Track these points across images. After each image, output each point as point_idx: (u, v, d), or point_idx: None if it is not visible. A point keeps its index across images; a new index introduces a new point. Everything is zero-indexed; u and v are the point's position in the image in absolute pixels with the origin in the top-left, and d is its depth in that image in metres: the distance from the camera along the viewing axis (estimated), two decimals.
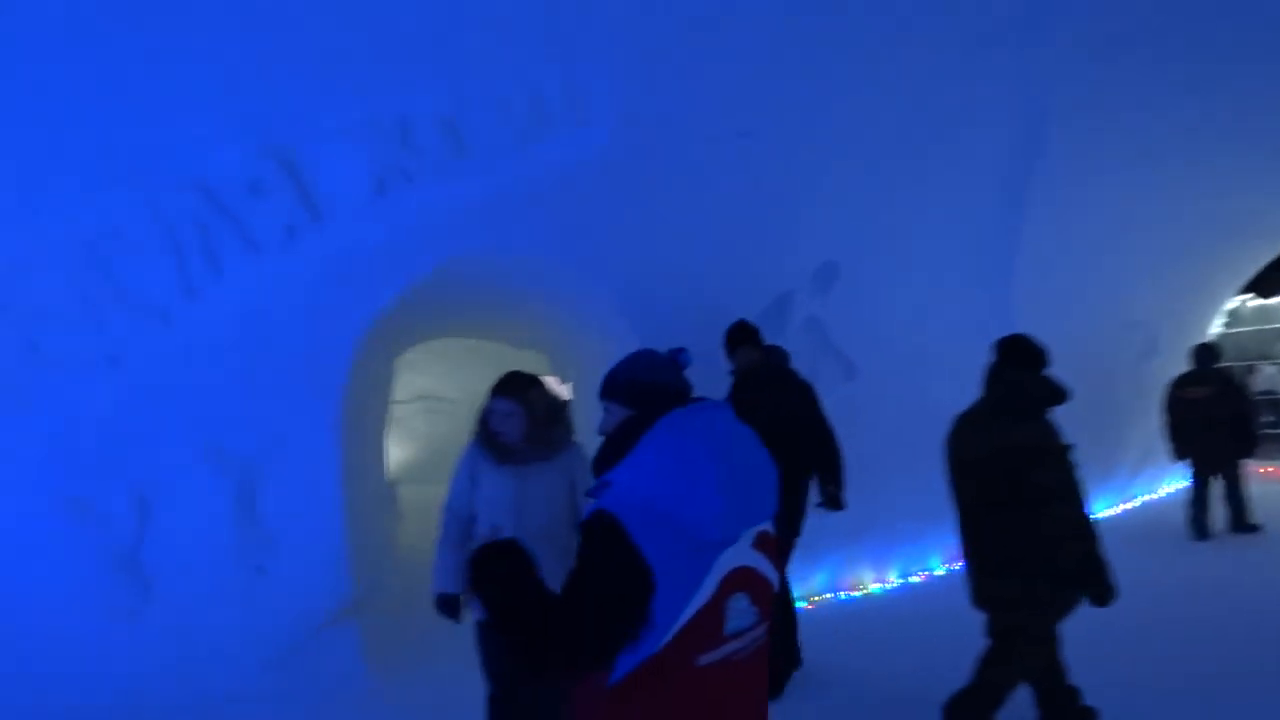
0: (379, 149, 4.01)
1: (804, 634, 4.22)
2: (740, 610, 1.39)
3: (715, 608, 1.34)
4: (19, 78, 3.39)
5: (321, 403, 4.22)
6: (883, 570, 6.03)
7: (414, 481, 9.28)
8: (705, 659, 1.35)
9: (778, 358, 4.53)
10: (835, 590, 5.74)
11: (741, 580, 1.39)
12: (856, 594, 5.77)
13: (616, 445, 1.54)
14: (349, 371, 4.28)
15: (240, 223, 3.92)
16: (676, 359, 1.69)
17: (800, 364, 5.58)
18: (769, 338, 5.60)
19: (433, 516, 7.66)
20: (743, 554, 1.40)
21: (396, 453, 9.71)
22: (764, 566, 1.46)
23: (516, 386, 2.81)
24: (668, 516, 1.33)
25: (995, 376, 3.10)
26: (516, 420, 2.77)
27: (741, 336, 4.28)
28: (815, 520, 5.51)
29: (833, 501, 4.37)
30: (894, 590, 5.88)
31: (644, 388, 1.62)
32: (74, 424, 3.85)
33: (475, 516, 2.88)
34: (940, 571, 6.16)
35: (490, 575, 1.43)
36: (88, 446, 3.87)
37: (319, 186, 4.00)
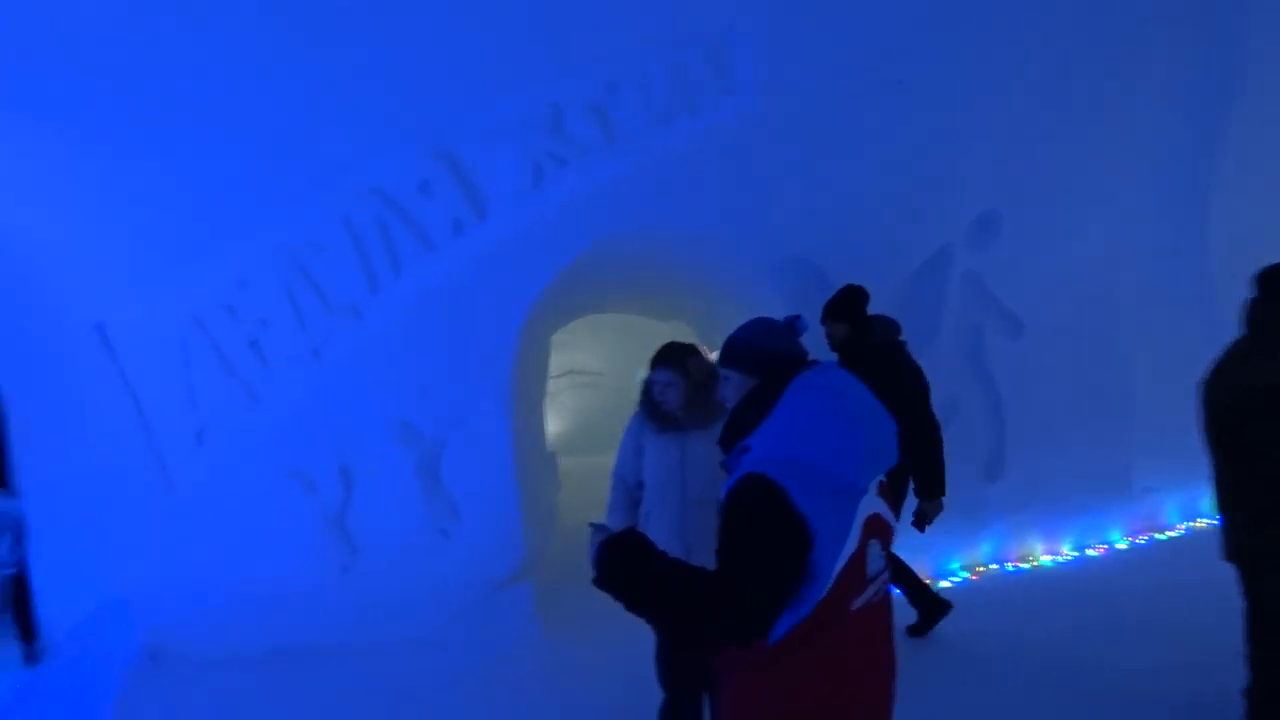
0: (532, 141, 4.28)
1: (967, 605, 4.13)
2: (875, 555, 1.47)
3: (860, 554, 1.41)
4: (229, 109, 3.90)
5: (493, 381, 4.58)
6: (1054, 541, 5.65)
7: (566, 453, 9.80)
8: (856, 603, 1.43)
9: (882, 332, 3.97)
10: (1001, 561, 5.48)
11: (875, 526, 1.46)
12: (1025, 566, 5.47)
13: (747, 413, 1.59)
14: (515, 351, 4.61)
15: (414, 222, 4.33)
16: (793, 325, 1.73)
17: (960, 322, 5.30)
18: (923, 297, 5.30)
19: (585, 485, 8.16)
20: (873, 502, 1.47)
21: (551, 426, 10.26)
22: (887, 512, 1.54)
23: (675, 357, 2.89)
24: (819, 471, 1.38)
25: (1259, 310, 2.79)
26: (676, 389, 2.86)
27: (832, 308, 3.99)
28: (979, 488, 5.30)
29: (922, 520, 3.88)
30: (1068, 564, 5.50)
31: (765, 355, 1.66)
32: (289, 409, 4.47)
33: (642, 482, 3.03)
34: (1123, 545, 5.69)
35: (620, 576, 1.45)
36: (301, 427, 4.47)
37: (480, 182, 4.33)
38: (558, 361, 10.70)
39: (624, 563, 1.46)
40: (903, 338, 4.05)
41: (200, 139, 3.96)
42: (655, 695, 3.12)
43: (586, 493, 7.79)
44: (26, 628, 4.73)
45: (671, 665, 3.00)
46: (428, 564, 4.55)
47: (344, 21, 3.73)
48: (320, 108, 3.97)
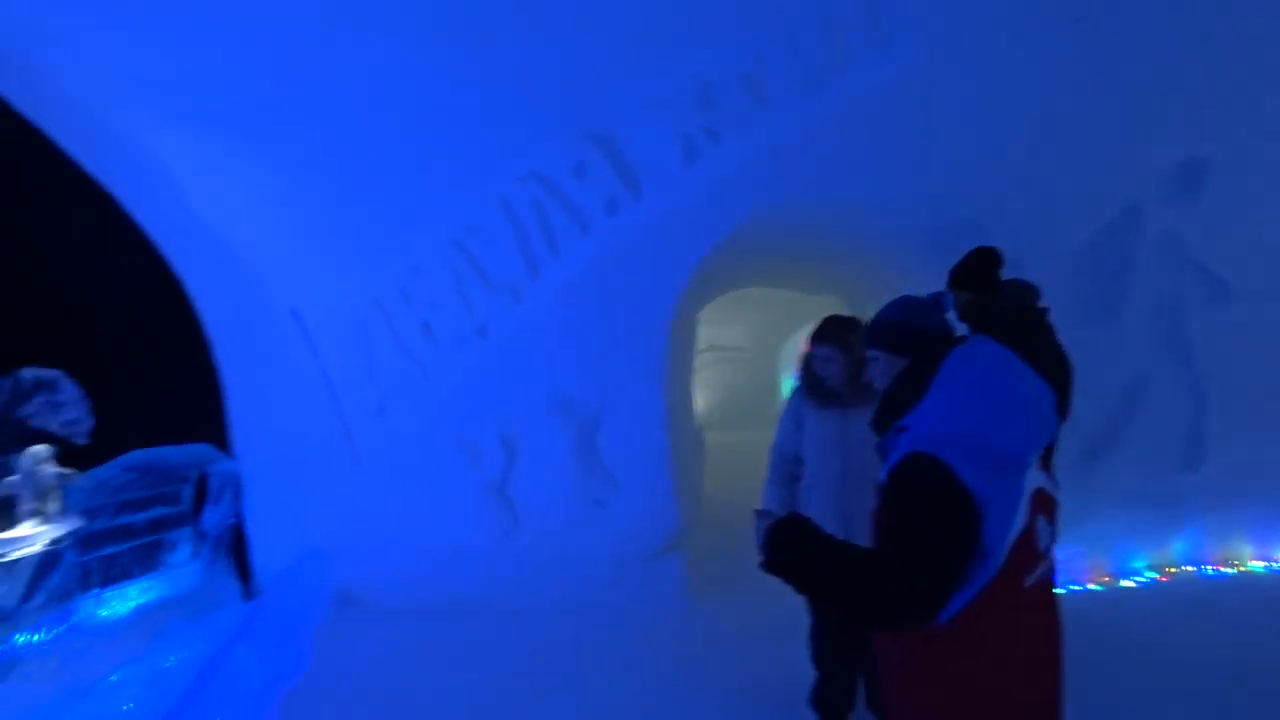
0: (683, 116, 4.27)
1: (1152, 609, 3.82)
2: (1044, 530, 1.44)
3: (1030, 528, 1.40)
4: (396, 116, 4.20)
5: (647, 357, 4.69)
6: (1267, 545, 4.93)
7: (708, 428, 9.86)
8: (1029, 579, 1.41)
9: (1015, 298, 3.23)
10: (1199, 563, 4.88)
11: (1041, 500, 1.44)
12: (1229, 570, 4.83)
13: (900, 393, 1.58)
14: (669, 327, 4.67)
15: (569, 203, 4.47)
16: (939, 301, 1.72)
17: (1152, 289, 4.71)
18: (1106, 261, 4.75)
19: (727, 461, 8.15)
20: (1036, 476, 1.44)
21: (696, 401, 10.36)
22: (1051, 486, 1.51)
23: (837, 331, 2.85)
24: (984, 445, 1.37)
25: None
26: (837, 364, 2.82)
27: (956, 274, 3.36)
28: (1173, 479, 4.73)
29: None
30: None
31: (913, 333, 1.65)
32: (457, 384, 4.78)
33: (801, 458, 3.00)
34: None
35: (789, 561, 1.48)
36: (468, 400, 4.78)
37: (633, 161, 4.40)
38: (701, 337, 10.72)
39: (792, 547, 1.49)
40: (1044, 304, 3.58)
41: (372, 145, 4.31)
42: (803, 673, 3.12)
43: (730, 468, 7.82)
44: (243, 568, 5.49)
45: (827, 645, 2.98)
46: (584, 533, 4.76)
47: (493, 23, 3.89)
48: (478, 104, 4.19)
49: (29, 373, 5.08)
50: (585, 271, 4.52)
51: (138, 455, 5.56)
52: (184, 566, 5.64)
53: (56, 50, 3.89)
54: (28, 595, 4.74)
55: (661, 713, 3.46)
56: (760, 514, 1.62)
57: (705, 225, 4.52)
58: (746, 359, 11.48)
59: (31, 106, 4.45)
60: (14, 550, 4.58)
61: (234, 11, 3.69)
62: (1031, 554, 1.41)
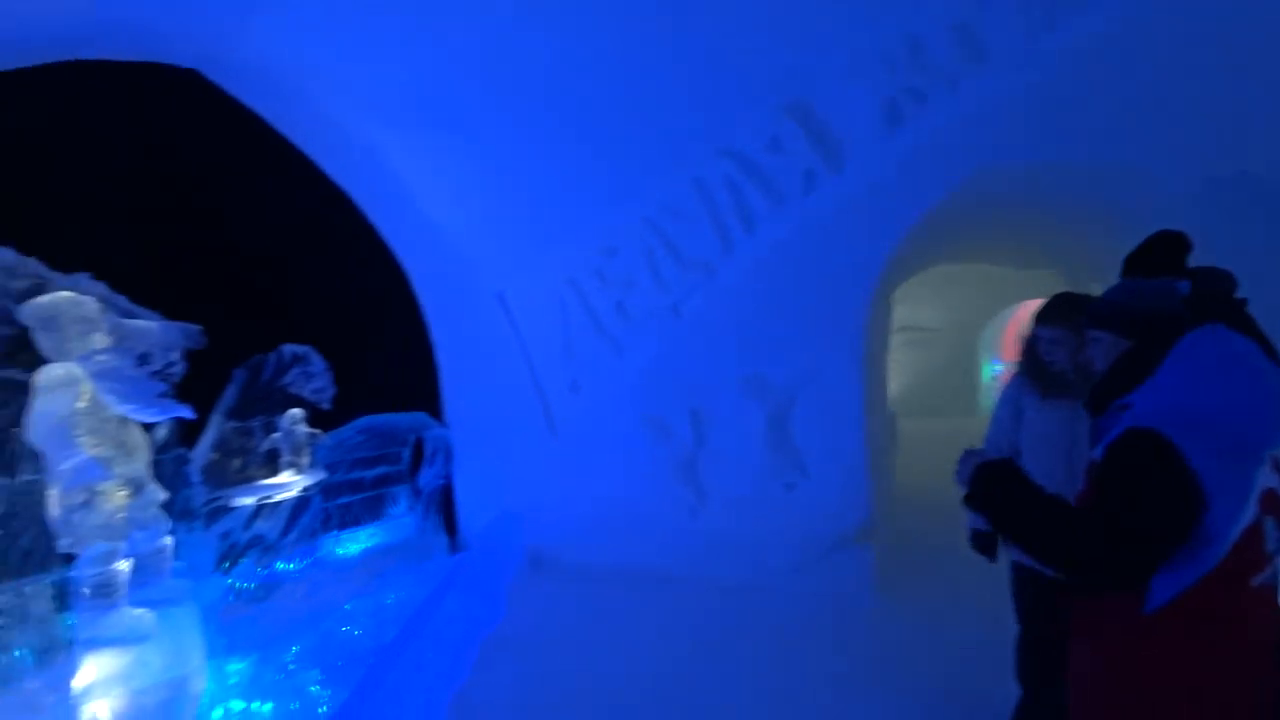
0: (887, 77, 3.99)
1: None
2: (1271, 531, 1.36)
3: (1258, 526, 1.33)
4: (592, 103, 4.35)
5: (845, 337, 4.51)
6: None
7: (901, 414, 9.29)
8: (1258, 579, 1.34)
9: (1210, 281, 2.73)
10: None
11: (1271, 501, 1.35)
12: None
13: (1123, 373, 1.53)
14: (869, 306, 4.47)
15: (764, 178, 4.38)
16: (1173, 286, 1.62)
17: None
18: None
19: (917, 448, 7.64)
20: (1269, 476, 1.35)
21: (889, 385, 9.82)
22: None
23: (1067, 311, 2.50)
24: (1215, 428, 1.32)
25: None
26: (1065, 348, 2.50)
27: (1133, 260, 2.87)
28: None
29: None
30: None
31: (1142, 316, 1.58)
32: (649, 361, 4.92)
33: (1019, 452, 2.68)
34: None
35: (993, 496, 1.49)
36: (659, 378, 4.89)
37: (833, 131, 4.21)
38: (894, 316, 10.09)
39: (999, 485, 1.50)
40: (1240, 295, 2.92)
41: (570, 132, 4.49)
42: (998, 687, 2.80)
43: (921, 458, 7.41)
44: (450, 524, 6.07)
45: (1036, 660, 2.63)
46: (771, 515, 4.70)
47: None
48: (670, 84, 4.21)
49: (288, 348, 5.94)
50: (780, 248, 4.43)
51: (368, 420, 6.31)
52: (402, 518, 6.36)
53: (310, 73, 4.43)
54: (285, 531, 5.56)
55: (836, 709, 3.33)
56: (970, 452, 1.63)
57: (910, 196, 4.23)
58: (941, 341, 10.69)
59: (285, 120, 5.11)
60: (277, 494, 5.38)
61: (438, 21, 4.00)
62: (1259, 553, 1.34)
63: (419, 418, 6.28)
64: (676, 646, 4.00)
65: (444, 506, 6.32)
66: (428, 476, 6.32)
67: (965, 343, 10.75)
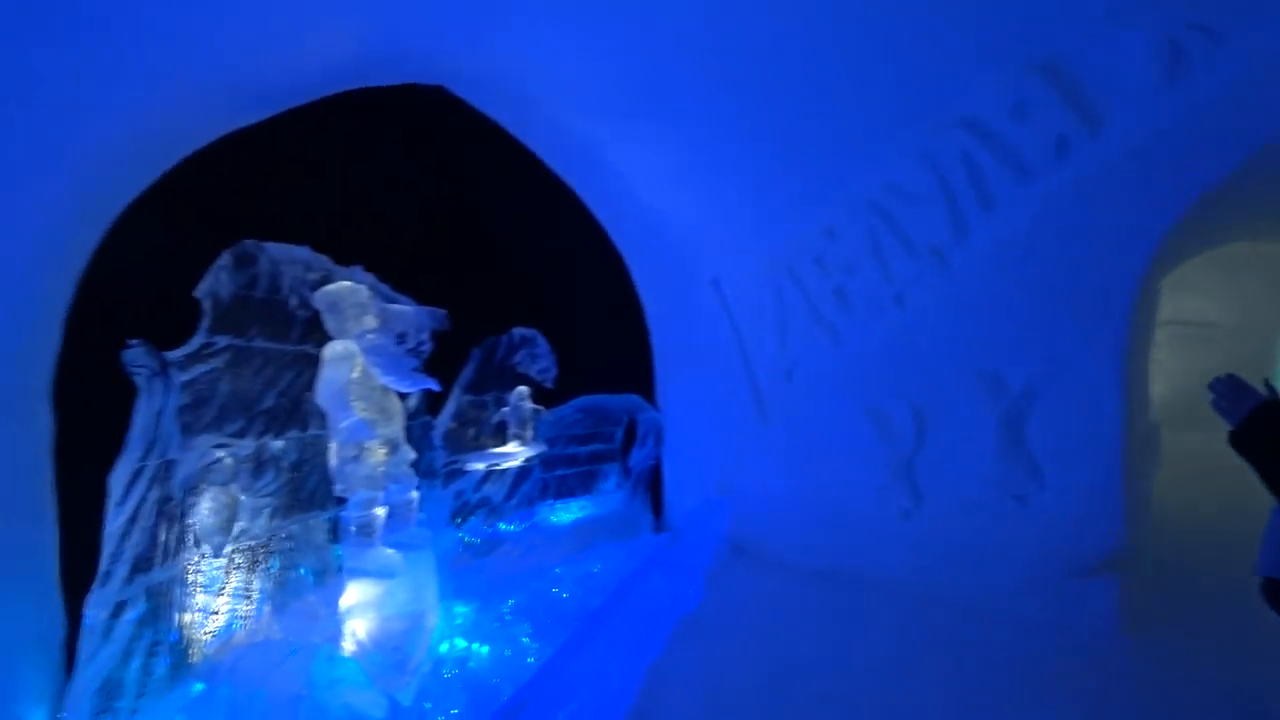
0: (1166, 20, 3.34)
1: None
2: None
3: None
4: (811, 75, 4.11)
5: (1103, 332, 3.88)
6: None
7: (1165, 425, 7.81)
8: None
9: None
10: None
11: None
12: None
13: None
14: (1134, 294, 3.82)
15: (1007, 150, 3.91)
16: None
17: None
18: None
19: (1183, 469, 6.46)
20: None
21: (1152, 389, 8.30)
22: None
23: None
24: None
25: None
26: None
27: None
28: None
29: None
30: None
31: None
32: (869, 353, 4.66)
33: None
34: None
35: (1270, 438, 1.41)
36: (879, 370, 4.62)
37: (1094, 87, 3.62)
38: (1161, 308, 8.40)
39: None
40: None
41: (785, 110, 4.34)
42: None
43: (1188, 478, 6.47)
44: (656, 503, 6.26)
45: None
46: (997, 528, 4.25)
47: None
48: (895, 47, 3.86)
49: (518, 332, 6.49)
50: (1024, 230, 3.93)
51: (585, 400, 6.69)
52: (611, 494, 6.69)
53: (538, 79, 4.74)
54: (509, 496, 6.11)
55: None
56: (1234, 380, 1.57)
57: (1192, 162, 3.51)
58: (1221, 338, 8.81)
59: (516, 123, 5.49)
60: (504, 462, 5.92)
61: (649, 15, 4.07)
62: None
63: (633, 400, 6.54)
64: (874, 656, 3.79)
65: (651, 486, 6.54)
66: (638, 457, 6.58)
67: (1252, 341, 8.68)
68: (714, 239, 5.33)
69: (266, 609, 4.06)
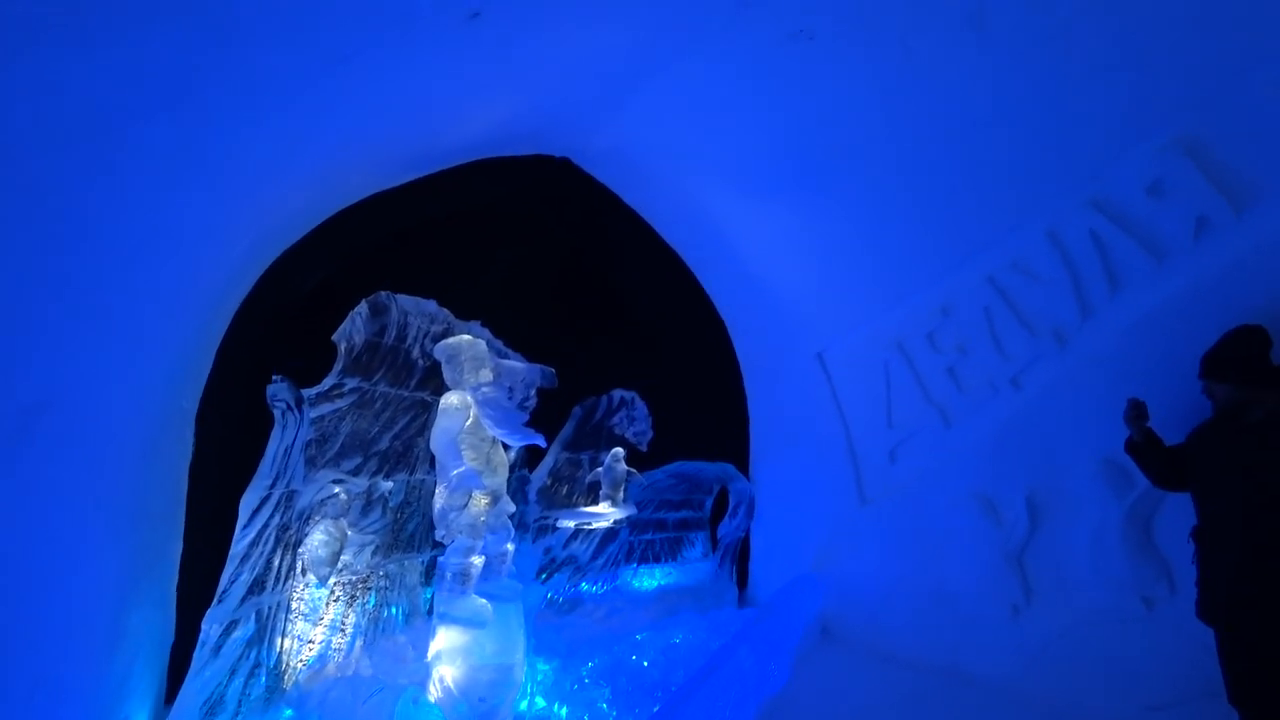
0: None
1: None
2: None
3: None
4: (934, 141, 4.13)
5: None
6: None
7: None
8: None
9: None
10: None
11: None
12: None
13: None
14: None
15: (1140, 230, 3.75)
16: None
17: None
18: None
19: None
20: None
21: None
22: None
23: None
24: None
25: None
26: None
27: (1210, 362, 3.17)
28: None
29: None
30: None
31: None
32: (981, 436, 4.45)
33: None
34: None
35: None
36: (991, 454, 4.40)
37: (1240, 161, 3.42)
38: None
39: None
40: None
41: (906, 184, 4.37)
42: None
43: None
44: (742, 576, 6.05)
45: None
46: (1118, 632, 3.87)
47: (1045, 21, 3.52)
48: (1025, 125, 3.84)
49: (617, 393, 6.58)
50: (1155, 312, 3.70)
51: (679, 465, 6.65)
52: (697, 563, 6.52)
53: (661, 153, 4.99)
54: (594, 556, 6.08)
55: None
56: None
57: None
58: None
59: (631, 192, 5.77)
60: (594, 522, 5.94)
61: (772, 89, 4.23)
62: None
63: (726, 469, 6.44)
64: None
65: (739, 559, 6.35)
66: (728, 527, 6.43)
67: None
68: (822, 312, 5.32)
69: (359, 644, 4.18)
